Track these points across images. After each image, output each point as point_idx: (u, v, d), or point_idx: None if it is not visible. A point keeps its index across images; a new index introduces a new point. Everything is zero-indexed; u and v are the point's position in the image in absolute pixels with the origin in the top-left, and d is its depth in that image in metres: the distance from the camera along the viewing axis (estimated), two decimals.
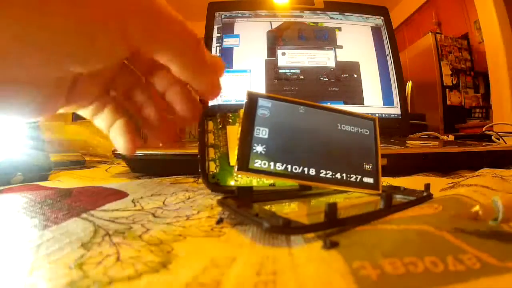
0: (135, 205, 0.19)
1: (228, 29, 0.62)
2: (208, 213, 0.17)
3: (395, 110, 0.60)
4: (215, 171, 0.19)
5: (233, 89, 0.59)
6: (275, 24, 0.63)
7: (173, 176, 0.30)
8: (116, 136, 0.17)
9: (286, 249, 0.12)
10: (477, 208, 0.14)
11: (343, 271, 0.10)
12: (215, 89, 0.16)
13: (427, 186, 0.19)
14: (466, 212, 0.15)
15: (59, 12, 0.11)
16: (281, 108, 0.17)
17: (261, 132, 0.16)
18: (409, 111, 0.66)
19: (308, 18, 0.64)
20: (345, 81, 0.60)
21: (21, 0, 0.10)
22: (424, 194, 0.19)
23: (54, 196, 0.21)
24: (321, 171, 0.17)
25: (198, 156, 0.19)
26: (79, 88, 0.15)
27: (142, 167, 0.35)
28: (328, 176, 0.17)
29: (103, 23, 0.12)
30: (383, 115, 0.59)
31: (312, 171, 0.16)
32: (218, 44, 0.61)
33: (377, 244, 0.12)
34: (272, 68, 0.60)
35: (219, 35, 0.61)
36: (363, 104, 0.59)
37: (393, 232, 0.13)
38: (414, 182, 0.27)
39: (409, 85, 1.85)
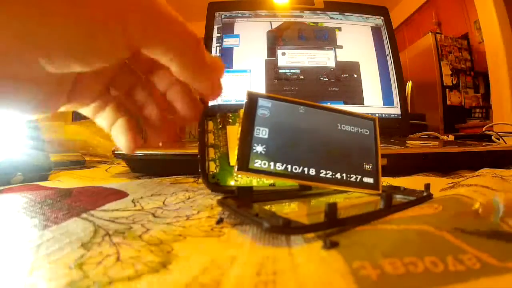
0: (135, 205, 0.19)
1: (228, 29, 0.62)
2: (208, 213, 0.17)
3: (395, 110, 0.60)
4: (215, 171, 0.19)
5: (233, 89, 0.58)
6: (275, 24, 0.63)
7: (173, 176, 0.30)
8: (118, 134, 0.17)
9: (286, 249, 0.12)
10: (477, 205, 0.14)
11: (343, 271, 0.10)
12: (216, 90, 0.17)
13: (427, 186, 0.19)
14: (467, 210, 0.15)
15: (59, 11, 0.11)
16: (281, 108, 0.17)
17: (261, 132, 0.16)
18: (409, 111, 0.66)
19: (308, 18, 0.64)
20: (345, 81, 0.60)
21: None
22: (424, 194, 0.19)
23: (54, 196, 0.21)
24: (321, 171, 0.17)
25: (198, 156, 0.19)
26: (81, 86, 0.15)
27: (142, 167, 0.35)
28: (328, 176, 0.17)
29: (103, 23, 0.12)
30: (383, 115, 0.59)
31: (312, 171, 0.16)
32: (218, 44, 0.61)
33: (377, 244, 0.12)
34: (272, 68, 0.60)
35: (219, 35, 0.61)
36: (363, 104, 0.59)
37: (393, 232, 0.13)
38: (414, 182, 0.27)
39: (409, 85, 1.85)
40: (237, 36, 0.61)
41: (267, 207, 0.17)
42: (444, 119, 2.02)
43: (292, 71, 0.60)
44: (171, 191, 0.23)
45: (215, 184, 0.19)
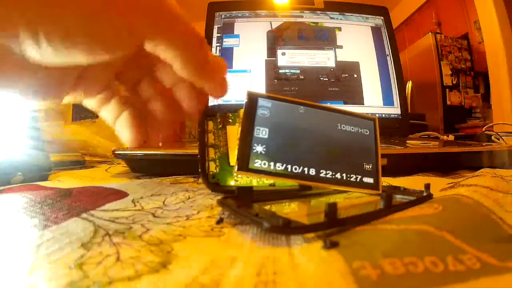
0: (135, 205, 0.19)
1: (228, 29, 0.62)
2: (208, 213, 0.17)
3: (395, 110, 0.60)
4: (215, 171, 0.19)
5: (233, 89, 0.58)
6: (275, 24, 0.63)
7: (173, 176, 0.30)
8: (122, 128, 0.17)
9: (286, 249, 0.12)
10: None
11: (343, 271, 0.10)
12: (221, 88, 0.17)
13: (427, 186, 0.19)
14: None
15: (65, 2, 0.11)
16: (281, 108, 0.17)
17: (261, 132, 0.16)
18: (409, 111, 0.66)
19: (308, 18, 0.64)
20: (345, 81, 0.60)
21: None
22: (424, 194, 0.19)
23: (54, 196, 0.21)
24: (321, 171, 0.17)
25: (198, 156, 0.19)
26: (88, 76, 0.15)
27: (142, 167, 0.35)
28: (328, 176, 0.17)
29: (109, 15, 0.12)
30: (383, 115, 0.59)
31: (312, 171, 0.16)
32: (218, 44, 0.61)
33: (377, 244, 0.12)
34: (272, 68, 0.60)
35: (219, 35, 0.61)
36: (363, 104, 0.59)
37: (393, 232, 0.13)
38: (414, 182, 0.27)
39: (409, 85, 1.85)
40: (237, 36, 0.61)
41: (267, 207, 0.17)
42: (444, 119, 2.02)
43: (292, 71, 0.60)
44: (171, 191, 0.23)
45: (215, 184, 0.19)
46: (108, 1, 0.12)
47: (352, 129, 0.18)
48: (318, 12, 0.64)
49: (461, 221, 0.14)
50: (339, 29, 0.63)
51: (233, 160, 0.19)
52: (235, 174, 0.17)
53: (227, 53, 0.60)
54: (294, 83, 0.60)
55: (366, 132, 0.19)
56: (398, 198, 0.19)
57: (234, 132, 0.19)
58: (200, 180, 0.22)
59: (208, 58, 0.15)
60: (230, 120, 0.20)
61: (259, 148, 0.16)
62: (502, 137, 0.54)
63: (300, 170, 0.16)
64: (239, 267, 0.11)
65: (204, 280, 0.10)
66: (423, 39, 2.18)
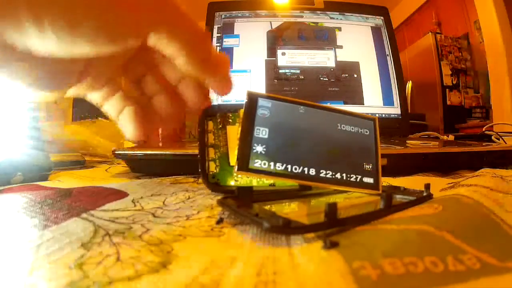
0: (135, 205, 0.19)
1: (228, 29, 0.62)
2: (208, 213, 0.17)
3: (395, 110, 0.60)
4: (215, 171, 0.19)
5: (233, 89, 0.58)
6: (275, 24, 0.63)
7: (173, 176, 0.30)
8: (125, 122, 0.17)
9: (286, 249, 0.12)
10: None
11: (343, 271, 0.10)
12: (226, 83, 0.17)
13: (427, 186, 0.19)
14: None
15: None
16: (281, 108, 0.17)
17: (261, 132, 0.16)
18: (409, 111, 0.66)
19: (308, 18, 0.64)
20: (345, 81, 0.60)
21: None
22: (424, 194, 0.19)
23: (54, 196, 0.21)
24: (321, 171, 0.17)
25: (198, 156, 0.19)
26: (92, 69, 0.15)
27: (142, 167, 0.35)
28: (328, 176, 0.17)
29: (116, 6, 0.12)
30: (383, 115, 0.59)
31: (312, 171, 0.16)
32: (218, 44, 0.61)
33: (377, 244, 0.12)
34: (272, 68, 0.60)
35: (219, 35, 0.61)
36: (363, 104, 0.59)
37: (393, 232, 0.13)
38: (414, 182, 0.27)
39: (409, 85, 1.85)
40: (237, 36, 0.61)
41: (267, 207, 0.17)
42: (444, 119, 2.02)
43: (292, 71, 0.60)
44: (171, 191, 0.23)
45: (215, 184, 0.19)
46: None
47: (352, 129, 0.18)
48: (318, 12, 0.64)
49: (461, 221, 0.14)
50: (339, 29, 0.63)
51: (233, 160, 0.19)
52: (235, 174, 0.17)
53: (227, 53, 0.60)
54: (294, 83, 0.60)
55: (366, 132, 0.19)
56: (398, 198, 0.19)
57: (234, 132, 0.19)
58: (200, 180, 0.22)
59: (211, 52, 0.15)
60: (230, 120, 0.20)
61: (259, 148, 0.16)
62: (502, 137, 0.54)
63: (300, 170, 0.16)
64: (239, 267, 0.11)
65: (204, 280, 0.10)
66: (423, 39, 2.18)
